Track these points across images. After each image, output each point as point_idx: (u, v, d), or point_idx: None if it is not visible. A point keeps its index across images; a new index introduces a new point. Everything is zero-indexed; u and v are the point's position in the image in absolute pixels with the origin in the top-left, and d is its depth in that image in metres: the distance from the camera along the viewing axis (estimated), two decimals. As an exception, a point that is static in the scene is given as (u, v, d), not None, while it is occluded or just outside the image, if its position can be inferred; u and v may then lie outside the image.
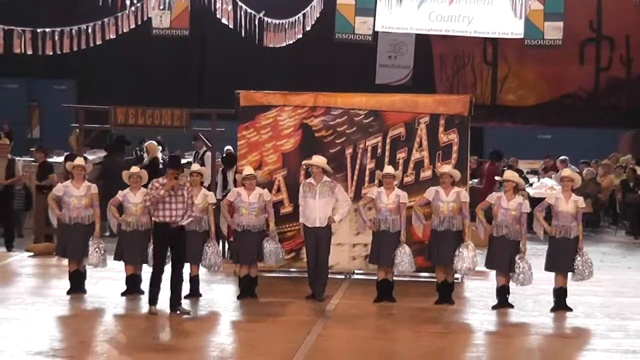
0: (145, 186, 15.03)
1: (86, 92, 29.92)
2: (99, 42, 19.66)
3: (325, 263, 15.09)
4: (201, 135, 19.61)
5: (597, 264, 17.35)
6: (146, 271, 15.17)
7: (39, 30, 18.83)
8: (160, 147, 22.04)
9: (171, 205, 13.87)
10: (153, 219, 14.14)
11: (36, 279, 16.96)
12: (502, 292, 14.72)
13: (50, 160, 20.95)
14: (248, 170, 15.29)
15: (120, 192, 15.10)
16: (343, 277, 16.67)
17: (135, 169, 15.38)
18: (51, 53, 19.17)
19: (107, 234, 17.61)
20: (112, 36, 19.78)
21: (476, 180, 22.72)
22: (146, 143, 21.58)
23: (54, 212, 15.32)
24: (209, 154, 20.95)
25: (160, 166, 20.62)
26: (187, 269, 15.03)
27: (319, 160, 15.17)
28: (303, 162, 16.15)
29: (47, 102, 30.38)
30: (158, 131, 21.32)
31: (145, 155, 21.45)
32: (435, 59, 32.05)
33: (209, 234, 15.00)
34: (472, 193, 17.29)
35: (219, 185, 19.34)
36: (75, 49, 19.37)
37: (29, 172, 20.46)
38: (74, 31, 19.21)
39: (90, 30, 19.40)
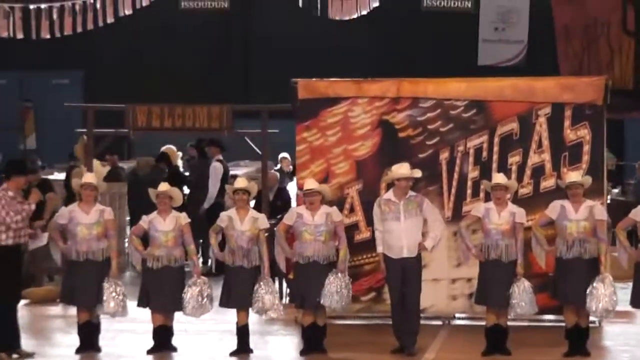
0: (178, 209, 15.13)
1: (95, 87, 30.21)
2: (110, 20, 19.80)
3: (416, 305, 15.09)
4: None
5: None
6: (179, 321, 15.28)
7: (31, 6, 18.99)
8: (180, 153, 22.23)
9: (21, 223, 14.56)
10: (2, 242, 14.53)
11: (36, 334, 17.12)
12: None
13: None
14: (311, 183, 15.33)
15: (144, 217, 15.21)
16: (440, 323, 16.71)
17: (164, 186, 15.34)
18: (49, 36, 19.38)
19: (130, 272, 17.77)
20: (128, 12, 19.85)
21: (616, 191, 22.59)
22: (163, 148, 21.76)
23: (57, 245, 15.39)
24: (216, 164, 20.92)
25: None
26: (233, 317, 15.14)
27: (404, 170, 15.04)
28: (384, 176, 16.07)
29: (45, 102, 30.67)
30: (191, 135, 21.43)
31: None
32: (557, 29, 31.90)
33: (261, 270, 15.07)
34: (612, 208, 17.19)
35: None
36: (79, 30, 19.54)
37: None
38: (77, 6, 19.34)
39: (98, 5, 19.52)
